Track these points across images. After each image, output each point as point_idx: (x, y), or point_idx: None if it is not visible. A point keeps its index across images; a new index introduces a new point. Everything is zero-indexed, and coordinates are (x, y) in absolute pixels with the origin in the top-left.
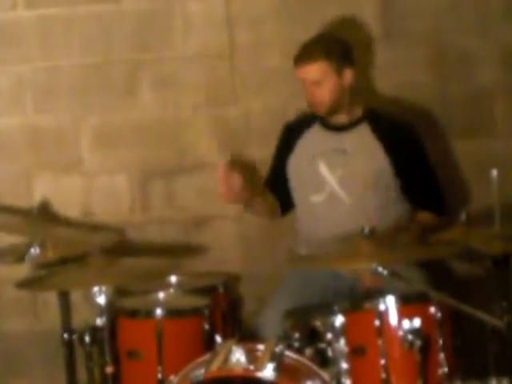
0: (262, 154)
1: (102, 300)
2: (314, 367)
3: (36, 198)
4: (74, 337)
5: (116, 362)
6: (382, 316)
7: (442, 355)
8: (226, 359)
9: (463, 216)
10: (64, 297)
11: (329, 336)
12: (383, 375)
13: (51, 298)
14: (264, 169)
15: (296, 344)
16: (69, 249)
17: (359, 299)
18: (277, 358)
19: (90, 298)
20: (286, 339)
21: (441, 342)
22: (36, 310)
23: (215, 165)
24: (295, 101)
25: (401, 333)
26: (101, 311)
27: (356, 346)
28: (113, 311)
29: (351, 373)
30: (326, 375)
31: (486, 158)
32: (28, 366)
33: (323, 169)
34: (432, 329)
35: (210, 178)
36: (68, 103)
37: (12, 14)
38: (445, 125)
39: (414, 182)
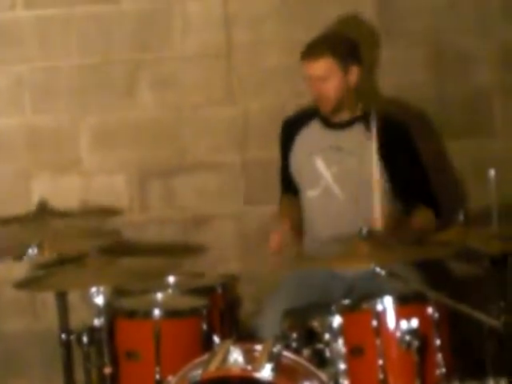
0: (261, 154)
1: (100, 300)
2: (312, 368)
3: (34, 198)
4: (72, 337)
5: (114, 362)
6: (380, 316)
7: (439, 355)
8: (224, 359)
9: (461, 216)
10: (62, 297)
11: (327, 336)
12: (381, 376)
13: (49, 298)
14: (264, 168)
15: (294, 344)
16: (67, 249)
17: (357, 299)
18: (275, 359)
19: (88, 299)
20: (283, 339)
21: (438, 342)
22: (34, 310)
23: (214, 165)
24: (294, 100)
25: (398, 333)
26: (99, 312)
27: (354, 347)
28: (111, 312)
29: (349, 373)
30: (323, 376)
31: (484, 157)
32: (26, 366)
33: (320, 165)
34: (430, 329)
35: (208, 178)
36: (66, 103)
37: (11, 14)
38: (443, 124)
39: (405, 181)
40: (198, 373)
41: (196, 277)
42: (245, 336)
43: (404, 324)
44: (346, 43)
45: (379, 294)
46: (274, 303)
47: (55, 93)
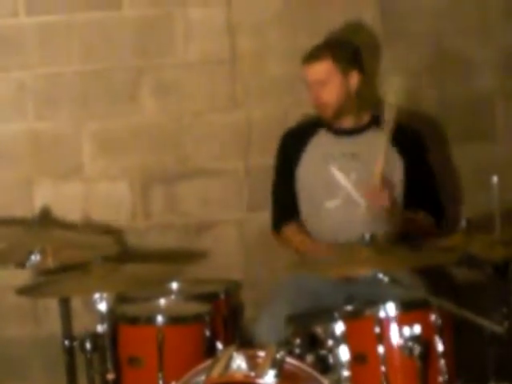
0: (264, 161)
1: (103, 307)
2: (315, 374)
3: (37, 205)
4: (75, 344)
5: (117, 368)
6: (383, 323)
7: (442, 362)
8: (227, 366)
9: (463, 222)
10: (65, 303)
11: (330, 343)
12: (384, 382)
13: (52, 304)
14: (266, 175)
15: (297, 350)
16: (70, 255)
17: (359, 306)
18: (278, 365)
19: (90, 305)
20: (286, 346)
21: (441, 348)
22: (37, 316)
23: (217, 171)
24: (297, 108)
25: (401, 340)
26: (102, 318)
27: (357, 353)
28: (114, 318)
29: (352, 380)
30: (326, 382)
31: (485, 162)
32: (29, 373)
33: (337, 173)
34: (432, 335)
35: (211, 185)
36: (69, 110)
37: (13, 20)
38: (444, 129)
39: (416, 189)
40: (201, 379)
41: (199, 283)
42: (247, 342)
43: (407, 330)
44: (346, 47)
45: (382, 301)
46: (272, 309)
47: (57, 99)
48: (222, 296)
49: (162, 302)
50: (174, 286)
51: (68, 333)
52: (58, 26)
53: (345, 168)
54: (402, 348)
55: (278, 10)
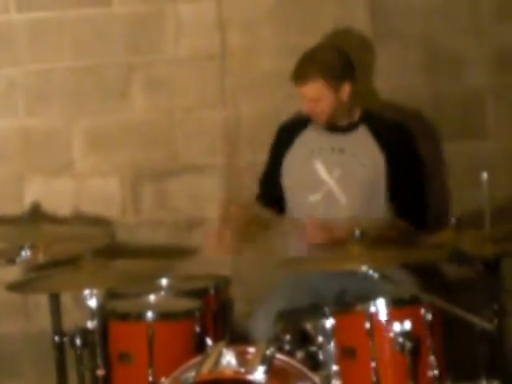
0: (254, 157)
1: (93, 303)
2: (305, 370)
3: (27, 201)
4: (65, 339)
5: (107, 364)
6: (373, 318)
7: (432, 357)
8: (217, 362)
9: (453, 219)
10: (55, 299)
11: (320, 339)
12: (374, 378)
13: (42, 300)
14: (256, 171)
15: (287, 347)
16: (60, 249)
17: (350, 302)
18: (267, 361)
19: (81, 301)
20: (276, 342)
21: (431, 344)
22: (27, 312)
23: (207, 167)
24: (287, 104)
25: (391, 335)
26: (92, 314)
27: (346, 349)
28: (104, 314)
29: (342, 375)
30: (316, 378)
31: (476, 159)
32: (19, 369)
33: (320, 168)
34: (422, 331)
35: (201, 181)
36: (60, 106)
37: (4, 17)
38: (436, 126)
39: (402, 188)
40: (190, 375)
41: (188, 279)
42: (237, 338)
43: (397, 326)
44: (336, 61)
45: (372, 296)
46: (267, 305)
47: (48, 96)
48: (212, 292)
49: (152, 298)
50: (164, 281)
51: (58, 329)
52: (48, 23)
53: (329, 163)
54: (391, 343)
55: (268, 6)
